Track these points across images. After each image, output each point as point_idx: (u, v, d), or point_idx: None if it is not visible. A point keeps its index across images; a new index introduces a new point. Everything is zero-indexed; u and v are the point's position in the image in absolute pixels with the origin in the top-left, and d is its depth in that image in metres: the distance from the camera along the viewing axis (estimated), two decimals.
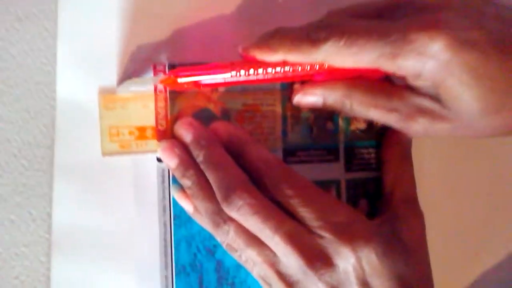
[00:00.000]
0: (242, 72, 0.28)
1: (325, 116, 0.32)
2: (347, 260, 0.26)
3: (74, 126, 0.30)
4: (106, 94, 0.29)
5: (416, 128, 0.28)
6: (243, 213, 0.26)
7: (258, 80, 0.29)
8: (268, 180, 0.28)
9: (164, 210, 0.31)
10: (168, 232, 0.31)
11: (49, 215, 0.29)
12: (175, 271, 0.30)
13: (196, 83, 0.29)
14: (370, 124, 0.33)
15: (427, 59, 0.25)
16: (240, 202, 0.26)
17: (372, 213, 0.33)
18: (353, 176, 0.33)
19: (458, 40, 0.25)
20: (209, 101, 0.31)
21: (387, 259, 0.26)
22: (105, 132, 0.29)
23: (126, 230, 0.30)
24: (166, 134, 0.30)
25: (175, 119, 0.30)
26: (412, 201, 0.31)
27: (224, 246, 0.29)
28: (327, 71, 0.28)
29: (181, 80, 0.28)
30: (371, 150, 0.33)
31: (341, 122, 0.33)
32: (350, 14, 0.29)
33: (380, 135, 0.33)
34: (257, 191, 0.27)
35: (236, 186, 0.27)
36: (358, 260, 0.26)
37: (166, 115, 0.30)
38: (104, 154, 0.29)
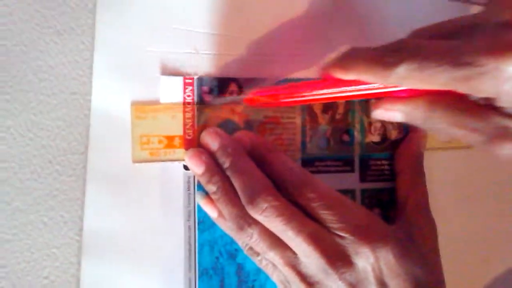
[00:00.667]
0: (331, 90, 0.28)
1: (342, 128, 0.34)
2: (367, 260, 0.27)
3: (107, 134, 0.31)
4: (138, 104, 0.31)
5: (503, 151, 0.26)
6: (267, 215, 0.28)
7: (339, 98, 0.28)
8: (290, 185, 0.29)
9: (189, 216, 0.32)
10: (193, 236, 0.32)
11: (80, 219, 0.30)
12: (198, 274, 0.32)
13: (276, 98, 0.29)
14: (384, 137, 0.35)
15: (502, 82, 0.23)
16: (265, 205, 0.28)
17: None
18: (367, 186, 0.35)
19: None
20: (233, 113, 0.33)
21: (403, 261, 0.27)
22: (136, 140, 0.31)
23: (153, 234, 0.31)
24: (192, 143, 0.32)
25: (202, 129, 0.32)
26: (424, 210, 0.32)
27: (245, 250, 0.31)
28: (407, 90, 0.27)
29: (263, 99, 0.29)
30: (384, 161, 0.35)
31: (356, 135, 0.34)
32: (432, 33, 0.28)
33: (393, 147, 0.35)
34: (280, 195, 0.29)
35: (261, 190, 0.28)
36: (377, 260, 0.27)
37: (193, 125, 0.32)
38: (135, 161, 0.31)
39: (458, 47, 0.25)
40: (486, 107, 0.26)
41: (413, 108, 0.27)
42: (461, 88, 0.25)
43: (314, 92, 0.28)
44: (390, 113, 0.29)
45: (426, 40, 0.26)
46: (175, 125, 0.32)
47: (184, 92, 0.32)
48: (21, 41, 0.30)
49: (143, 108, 0.31)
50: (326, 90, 0.28)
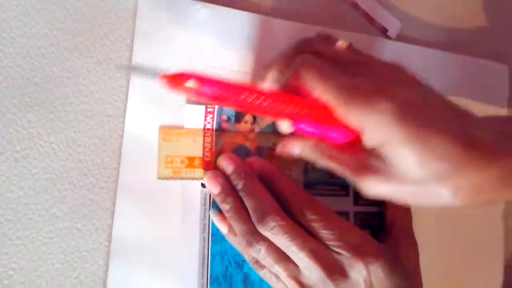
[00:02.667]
0: (247, 97, 0.29)
1: None
2: (360, 273, 0.32)
3: (137, 153, 0.35)
4: (165, 128, 0.35)
5: (365, 185, 0.30)
6: (275, 232, 0.32)
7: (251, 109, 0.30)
8: (294, 207, 0.34)
9: (204, 228, 0.36)
10: (206, 247, 0.36)
11: (110, 226, 0.34)
12: (210, 280, 0.36)
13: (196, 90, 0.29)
14: None
15: (368, 117, 0.28)
16: (273, 224, 0.32)
17: None
18: (360, 209, 0.39)
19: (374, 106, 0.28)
20: (247, 139, 0.37)
21: (391, 275, 0.32)
22: (162, 159, 0.35)
23: (172, 243, 0.35)
24: (210, 164, 0.36)
25: (219, 152, 0.36)
26: (408, 232, 0.37)
27: (251, 264, 0.35)
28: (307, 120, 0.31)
29: (189, 83, 0.28)
30: None
31: None
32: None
33: None
34: (286, 216, 0.33)
35: (270, 210, 0.33)
36: (368, 273, 0.32)
37: (211, 149, 0.36)
38: (159, 177, 0.35)
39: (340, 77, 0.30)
40: (359, 148, 0.31)
41: (304, 144, 0.33)
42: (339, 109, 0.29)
43: (242, 96, 0.29)
44: (288, 148, 0.34)
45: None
46: (196, 148, 0.36)
47: (205, 119, 0.36)
48: (66, 68, 0.34)
49: (169, 131, 0.35)
50: (265, 101, 0.30)
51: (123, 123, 0.35)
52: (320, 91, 0.30)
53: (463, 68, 0.41)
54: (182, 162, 0.36)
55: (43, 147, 0.34)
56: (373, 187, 0.30)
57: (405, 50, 0.41)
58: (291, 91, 0.31)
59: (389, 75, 0.31)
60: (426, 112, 0.29)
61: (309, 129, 0.32)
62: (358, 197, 0.39)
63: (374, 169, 0.30)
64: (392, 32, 0.40)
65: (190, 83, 0.28)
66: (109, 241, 0.34)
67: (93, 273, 0.34)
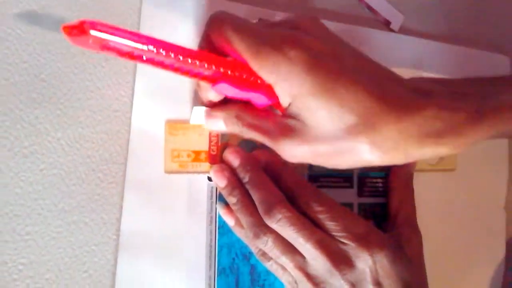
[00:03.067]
0: (154, 50, 0.27)
1: None
2: (365, 263, 0.32)
3: (143, 147, 0.35)
4: (171, 122, 0.36)
5: (282, 148, 0.30)
6: (281, 224, 0.33)
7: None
8: (301, 199, 0.34)
9: (211, 221, 0.37)
10: (213, 239, 0.36)
11: (118, 220, 0.35)
12: (217, 272, 0.36)
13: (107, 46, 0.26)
14: None
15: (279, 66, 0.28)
16: (280, 216, 0.33)
17: None
18: (364, 200, 0.40)
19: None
20: None
21: (395, 265, 0.33)
22: (168, 153, 0.36)
23: (179, 236, 0.35)
24: (216, 158, 0.37)
25: (224, 146, 0.37)
26: (412, 223, 0.37)
27: (258, 256, 0.35)
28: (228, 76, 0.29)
29: (93, 32, 0.25)
30: (379, 180, 0.40)
31: None
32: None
33: (388, 167, 0.40)
34: (292, 207, 0.34)
35: (276, 202, 0.33)
36: (374, 263, 0.32)
37: (217, 143, 0.37)
38: (166, 172, 0.36)
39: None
40: (278, 114, 0.31)
41: (228, 113, 0.32)
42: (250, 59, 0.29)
43: (146, 47, 0.26)
44: (214, 121, 0.33)
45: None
46: (202, 142, 0.36)
47: None
48: (73, 64, 0.35)
49: (175, 125, 0.36)
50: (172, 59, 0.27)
51: (130, 118, 0.35)
52: (234, 42, 0.29)
53: (465, 60, 0.42)
54: (188, 156, 0.36)
55: (50, 142, 0.34)
56: (290, 150, 0.30)
57: (408, 42, 0.41)
58: (210, 51, 0.30)
59: (305, 27, 0.30)
60: (338, 63, 0.29)
61: (231, 91, 0.30)
62: (362, 189, 0.40)
63: (290, 130, 0.30)
64: (395, 25, 0.41)
65: (95, 33, 0.25)
66: (118, 235, 0.35)
67: (102, 267, 0.35)
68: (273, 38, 0.29)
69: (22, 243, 0.33)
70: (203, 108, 0.34)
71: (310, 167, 0.39)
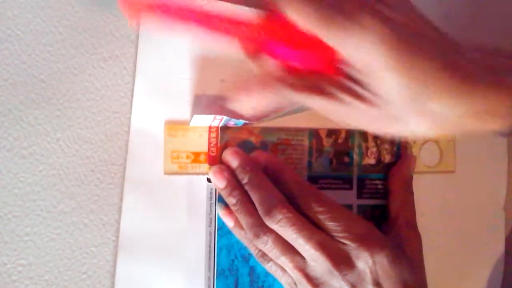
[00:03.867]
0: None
1: (343, 151, 0.39)
2: (366, 263, 0.32)
3: (143, 148, 0.35)
4: (171, 124, 0.36)
5: (345, 111, 0.29)
6: (282, 225, 0.33)
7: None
8: (301, 199, 0.34)
9: (210, 222, 0.36)
10: (213, 241, 0.36)
11: (117, 221, 0.34)
12: (216, 273, 0.36)
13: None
14: (379, 160, 0.40)
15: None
16: (280, 216, 0.33)
17: None
18: (363, 202, 0.40)
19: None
20: (251, 134, 0.37)
21: (395, 265, 0.33)
22: (167, 155, 0.36)
23: (179, 237, 0.35)
24: (215, 159, 0.36)
25: (224, 147, 0.37)
26: (412, 225, 0.37)
27: (257, 257, 0.35)
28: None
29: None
30: (378, 181, 0.40)
31: (355, 157, 0.40)
32: None
33: (386, 169, 0.40)
34: (292, 208, 0.34)
35: (276, 203, 0.33)
36: (374, 264, 0.32)
37: (216, 144, 0.37)
38: (166, 173, 0.36)
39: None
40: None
41: (280, 87, 0.30)
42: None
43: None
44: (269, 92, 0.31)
45: None
46: (201, 143, 0.36)
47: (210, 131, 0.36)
48: (72, 64, 0.35)
49: (174, 127, 0.36)
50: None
51: (129, 119, 0.35)
52: (296, 14, 0.27)
53: None
54: (188, 157, 0.36)
55: (50, 143, 0.34)
56: (351, 114, 0.29)
57: None
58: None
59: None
60: (418, 39, 0.27)
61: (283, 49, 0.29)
62: (362, 191, 0.40)
63: (355, 93, 0.29)
64: None
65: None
66: (117, 236, 0.35)
67: (101, 268, 0.35)
68: (347, 8, 0.27)
69: (21, 244, 0.33)
70: (205, 117, 0.34)
71: (309, 167, 0.39)
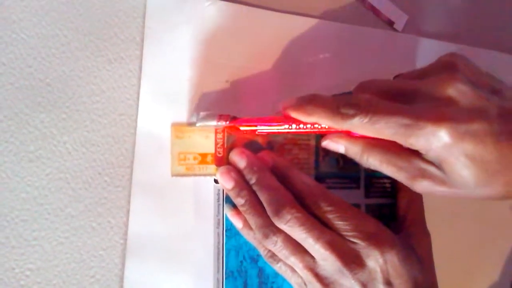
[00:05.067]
0: (292, 126, 0.34)
1: None
2: (376, 262, 0.32)
3: (150, 151, 0.35)
4: (177, 125, 0.36)
5: (420, 187, 0.32)
6: (291, 225, 0.32)
7: (297, 132, 0.35)
8: (309, 199, 0.34)
9: (218, 224, 0.36)
10: (221, 242, 0.36)
11: (125, 224, 0.34)
12: (225, 275, 0.36)
13: (252, 131, 0.35)
14: None
15: (433, 142, 0.30)
16: (289, 216, 0.32)
17: None
18: (371, 201, 0.40)
19: (458, 131, 0.29)
20: (257, 135, 0.37)
21: (406, 264, 0.32)
22: (175, 157, 0.35)
23: (187, 239, 0.35)
24: (222, 160, 0.36)
25: (230, 148, 0.36)
26: (421, 223, 0.37)
27: (266, 258, 0.35)
28: None
29: (242, 128, 0.35)
30: (386, 180, 0.40)
31: None
32: (377, 89, 0.33)
33: None
34: (301, 208, 0.33)
35: (285, 203, 0.33)
36: (385, 262, 0.32)
37: (223, 145, 0.36)
38: (173, 175, 0.35)
39: (403, 110, 0.31)
40: (413, 152, 0.32)
41: (353, 145, 0.34)
42: (401, 142, 0.31)
43: (286, 126, 0.34)
44: (335, 145, 0.35)
45: (376, 98, 0.32)
46: (208, 144, 0.36)
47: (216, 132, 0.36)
48: (77, 67, 0.34)
49: (181, 128, 0.36)
50: (287, 125, 0.34)
51: (136, 121, 0.35)
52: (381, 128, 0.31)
53: (471, 59, 0.42)
54: (195, 158, 0.36)
55: (56, 147, 0.34)
56: (429, 189, 0.32)
57: (413, 42, 0.41)
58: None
59: (450, 97, 0.31)
60: (486, 126, 0.30)
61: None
62: (369, 190, 0.40)
63: (429, 175, 0.32)
64: (398, 25, 0.41)
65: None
66: (125, 239, 0.34)
67: (109, 271, 0.34)
68: (423, 118, 0.30)
69: (29, 249, 0.33)
70: (210, 114, 0.34)
71: (316, 167, 0.38)
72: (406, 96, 0.32)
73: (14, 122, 0.33)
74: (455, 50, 0.42)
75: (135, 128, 0.35)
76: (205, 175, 0.36)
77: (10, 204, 0.33)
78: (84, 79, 0.34)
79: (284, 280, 0.35)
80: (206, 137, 0.36)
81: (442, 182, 0.31)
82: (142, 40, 0.35)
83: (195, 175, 0.36)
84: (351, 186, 0.39)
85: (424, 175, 0.32)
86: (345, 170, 0.39)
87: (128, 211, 0.35)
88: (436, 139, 0.30)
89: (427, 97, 0.31)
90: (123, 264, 0.34)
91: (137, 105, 0.35)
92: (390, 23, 0.41)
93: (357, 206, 0.39)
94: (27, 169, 0.33)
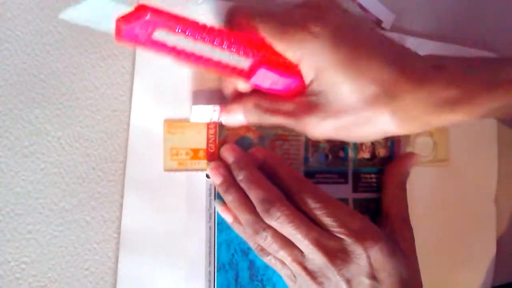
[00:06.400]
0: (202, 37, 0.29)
1: (338, 146, 0.40)
2: (361, 257, 0.33)
3: (143, 146, 0.35)
4: (170, 121, 0.36)
5: (307, 125, 0.32)
6: (280, 221, 0.33)
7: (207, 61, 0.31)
8: (297, 195, 0.35)
9: (210, 218, 0.37)
10: (212, 236, 0.37)
11: (118, 219, 0.35)
12: (217, 268, 0.37)
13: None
14: (373, 154, 0.41)
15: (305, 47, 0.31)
16: (279, 214, 0.33)
17: None
18: (359, 196, 0.41)
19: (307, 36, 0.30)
20: (249, 130, 0.38)
21: (390, 258, 0.33)
22: (167, 152, 0.36)
23: (179, 233, 0.36)
24: (214, 155, 0.37)
25: (222, 143, 0.37)
26: (405, 219, 0.38)
27: (257, 251, 0.36)
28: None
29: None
30: (373, 175, 0.41)
31: (350, 152, 0.40)
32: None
33: (381, 163, 0.41)
34: (290, 205, 0.34)
35: (274, 200, 0.34)
36: (368, 257, 0.33)
37: (215, 140, 0.37)
38: (165, 169, 0.36)
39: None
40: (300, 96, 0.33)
41: (247, 104, 0.34)
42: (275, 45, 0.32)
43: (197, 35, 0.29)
44: (232, 115, 0.35)
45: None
46: (200, 140, 0.37)
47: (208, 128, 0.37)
48: (71, 64, 0.35)
49: (173, 124, 0.36)
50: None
51: (129, 117, 0.36)
52: (259, 27, 0.31)
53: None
54: (187, 154, 0.37)
55: (50, 142, 0.34)
56: (314, 126, 0.32)
57: (400, 40, 0.42)
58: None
59: (324, 5, 0.32)
60: (360, 38, 0.31)
61: (268, 78, 0.32)
62: (357, 185, 0.41)
63: (313, 107, 0.32)
64: (386, 24, 0.42)
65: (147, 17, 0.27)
66: (118, 233, 0.35)
67: (103, 264, 0.35)
68: (296, 18, 0.31)
69: (24, 242, 0.33)
70: (204, 107, 0.35)
71: (306, 162, 0.39)
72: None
73: (8, 118, 0.33)
74: (442, 48, 0.43)
75: (128, 124, 0.36)
76: (197, 170, 0.37)
77: (5, 199, 0.33)
78: (78, 76, 0.35)
79: (274, 272, 0.37)
80: (198, 133, 0.37)
81: (325, 111, 0.32)
82: None
83: (187, 170, 0.37)
84: (339, 181, 0.40)
85: (306, 108, 0.32)
86: (334, 166, 0.40)
87: (121, 206, 0.35)
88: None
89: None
90: (116, 258, 0.35)
91: (130, 101, 0.36)
92: (378, 22, 0.42)
93: (345, 200, 0.40)
94: (21, 164, 0.34)
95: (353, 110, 0.31)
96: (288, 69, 0.32)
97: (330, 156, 0.40)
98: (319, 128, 0.32)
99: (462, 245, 0.44)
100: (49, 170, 0.34)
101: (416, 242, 0.37)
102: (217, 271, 0.37)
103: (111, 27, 0.27)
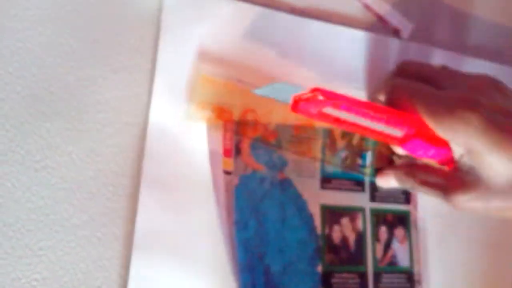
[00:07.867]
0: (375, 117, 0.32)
1: (356, 153, 0.39)
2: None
3: (158, 163, 0.35)
4: (207, 76, 0.35)
5: (455, 201, 0.32)
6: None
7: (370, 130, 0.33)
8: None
9: (229, 216, 0.35)
10: (232, 236, 0.35)
11: (130, 235, 0.34)
12: (235, 270, 0.35)
13: (328, 116, 0.32)
14: (391, 163, 0.40)
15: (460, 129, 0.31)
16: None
17: (390, 239, 0.39)
18: (376, 206, 0.40)
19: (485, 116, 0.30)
20: (266, 130, 0.37)
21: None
22: (194, 103, 0.35)
23: (199, 241, 0.35)
24: (230, 152, 0.36)
25: (238, 141, 0.36)
26: None
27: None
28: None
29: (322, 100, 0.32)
30: None
31: (368, 159, 0.39)
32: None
33: None
34: None
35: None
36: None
37: (231, 138, 0.36)
38: (187, 119, 0.35)
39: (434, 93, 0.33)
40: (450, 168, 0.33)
41: (398, 171, 0.37)
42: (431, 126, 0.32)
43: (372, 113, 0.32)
44: (386, 181, 0.38)
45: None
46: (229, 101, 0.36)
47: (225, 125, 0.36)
48: (82, 77, 0.34)
49: (208, 78, 0.35)
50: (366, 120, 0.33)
51: (141, 130, 0.35)
52: (415, 105, 0.32)
53: (475, 70, 0.42)
54: (213, 110, 0.35)
55: (61, 156, 0.34)
56: (465, 205, 0.32)
57: (418, 50, 0.41)
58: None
59: (477, 85, 0.32)
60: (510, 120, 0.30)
61: (416, 151, 0.34)
62: (374, 194, 0.40)
63: (463, 184, 0.32)
64: (404, 33, 0.41)
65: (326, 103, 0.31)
66: (130, 250, 0.34)
67: (114, 282, 0.34)
68: (447, 101, 0.31)
69: (35, 259, 0.33)
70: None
71: (323, 167, 0.38)
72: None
73: (19, 132, 0.33)
74: (459, 60, 0.42)
75: (140, 137, 0.35)
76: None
77: (15, 214, 0.32)
78: (89, 89, 0.34)
79: (290, 276, 0.35)
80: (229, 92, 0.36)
81: (474, 189, 0.31)
82: (148, 50, 0.36)
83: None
84: (356, 188, 0.40)
85: (456, 184, 0.32)
86: (350, 169, 0.39)
87: (133, 222, 0.34)
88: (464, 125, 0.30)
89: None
90: (127, 275, 0.34)
91: (143, 114, 0.35)
92: (396, 32, 0.41)
93: (362, 209, 0.39)
94: (32, 178, 0.33)
95: (505, 194, 0.31)
96: (439, 142, 0.33)
97: (347, 162, 0.39)
98: (468, 206, 0.32)
99: None
100: (60, 185, 0.33)
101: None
102: (239, 273, 0.35)
103: (289, 101, 0.32)
